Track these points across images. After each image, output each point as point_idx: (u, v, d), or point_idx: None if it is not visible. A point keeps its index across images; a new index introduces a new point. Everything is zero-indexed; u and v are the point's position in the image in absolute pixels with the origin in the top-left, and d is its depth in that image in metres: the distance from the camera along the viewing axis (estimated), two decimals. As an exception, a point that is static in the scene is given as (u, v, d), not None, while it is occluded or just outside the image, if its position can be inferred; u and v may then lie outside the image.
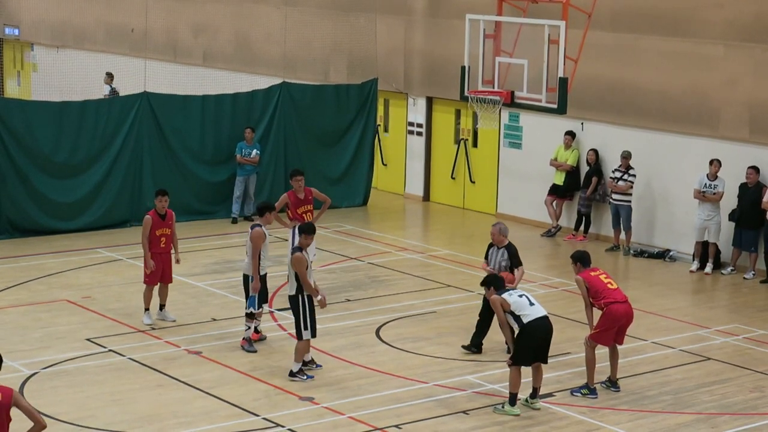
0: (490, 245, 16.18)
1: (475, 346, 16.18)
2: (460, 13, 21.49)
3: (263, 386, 14.77)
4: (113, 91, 31.22)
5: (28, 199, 22.30)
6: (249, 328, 16.10)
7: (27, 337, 16.52)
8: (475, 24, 18.81)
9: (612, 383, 14.92)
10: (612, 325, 14.56)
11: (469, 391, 14.75)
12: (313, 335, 14.96)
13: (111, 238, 22.38)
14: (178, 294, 18.20)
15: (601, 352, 14.87)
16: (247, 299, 16.13)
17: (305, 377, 14.93)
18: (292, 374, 14.94)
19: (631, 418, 14.01)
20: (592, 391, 14.63)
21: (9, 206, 22.12)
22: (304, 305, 14.85)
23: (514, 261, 15.91)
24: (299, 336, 14.93)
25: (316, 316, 15.03)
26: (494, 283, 14.32)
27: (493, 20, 18.70)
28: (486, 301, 15.87)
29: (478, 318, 16.29)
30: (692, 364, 16.06)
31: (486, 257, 16.23)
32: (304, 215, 18.25)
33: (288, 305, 15.27)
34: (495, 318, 14.73)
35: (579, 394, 14.63)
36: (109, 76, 31.64)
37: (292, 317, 15.08)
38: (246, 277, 16.19)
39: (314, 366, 15.25)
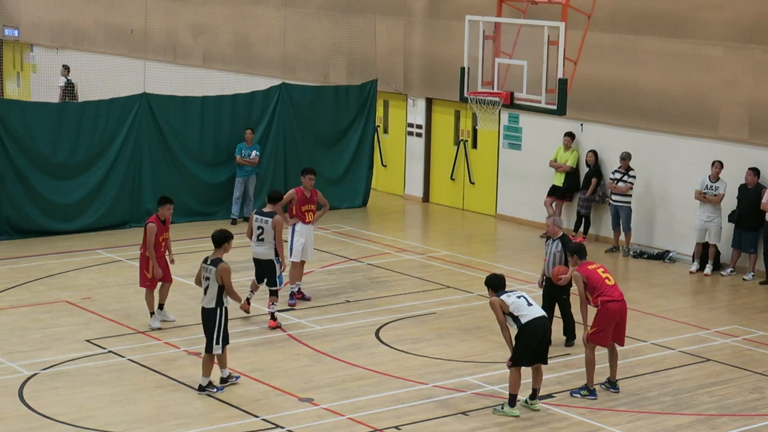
0: (547, 239, 16.56)
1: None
2: (460, 14, 21.50)
3: (263, 387, 14.77)
4: (69, 83, 31.70)
5: (28, 200, 22.30)
6: (274, 304, 17.17)
7: (27, 338, 16.52)
8: (475, 25, 18.82)
9: (611, 384, 14.91)
10: (608, 324, 14.52)
11: (468, 392, 14.74)
12: (223, 350, 14.52)
13: (110, 239, 22.38)
14: (178, 295, 18.19)
15: (601, 353, 14.85)
16: (273, 279, 16.96)
17: (215, 389, 14.52)
18: (201, 389, 14.48)
19: (630, 419, 14.01)
20: (592, 392, 14.63)
21: (8, 207, 22.12)
22: (221, 318, 14.42)
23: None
24: (209, 349, 14.38)
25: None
26: (492, 284, 14.29)
27: (492, 21, 18.72)
28: (546, 295, 16.43)
29: None
30: (692, 365, 16.06)
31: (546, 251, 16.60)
32: (306, 213, 18.29)
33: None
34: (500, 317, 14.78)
35: (579, 395, 14.62)
36: (66, 69, 32.38)
37: (209, 327, 14.45)
38: (260, 262, 17.06)
39: (234, 378, 14.76)
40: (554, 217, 16.74)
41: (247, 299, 17.39)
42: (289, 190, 18.72)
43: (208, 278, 14.47)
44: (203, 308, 14.55)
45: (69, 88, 31.87)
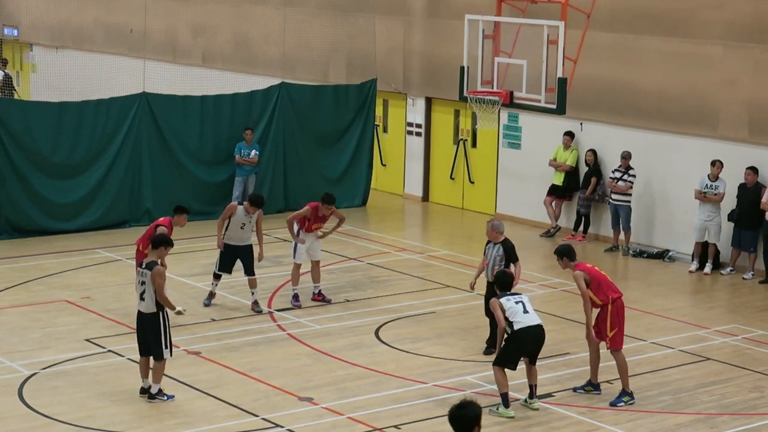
0: (488, 242, 16.19)
1: (493, 345, 16.10)
2: (459, 14, 21.50)
3: (262, 386, 14.77)
4: (6, 76, 32.94)
5: (27, 199, 22.31)
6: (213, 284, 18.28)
7: (26, 338, 16.52)
8: (474, 24, 18.82)
9: (594, 386, 14.80)
10: (623, 321, 14.39)
11: (468, 392, 14.73)
12: (171, 353, 14.25)
13: (110, 238, 22.39)
14: (177, 294, 18.18)
15: (584, 354, 14.77)
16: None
17: (166, 397, 14.25)
18: (152, 396, 14.18)
19: (630, 419, 14.01)
20: (631, 396, 14.47)
21: (8, 207, 22.14)
22: (164, 322, 14.06)
23: (511, 257, 15.89)
24: (159, 356, 14.02)
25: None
26: (499, 281, 14.28)
27: (492, 20, 18.72)
28: (487, 300, 15.95)
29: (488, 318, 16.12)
30: (691, 364, 16.06)
31: (484, 254, 16.21)
32: (315, 230, 18.31)
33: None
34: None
35: (622, 404, 14.39)
36: (3, 62, 33.69)
37: (155, 331, 14.10)
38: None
39: (164, 397, 14.32)
40: (494, 222, 16.14)
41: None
42: (305, 205, 18.48)
43: (143, 282, 14.01)
44: (143, 314, 14.07)
45: (7, 81, 32.83)
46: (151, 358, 14.21)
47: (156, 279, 13.87)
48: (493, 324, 15.97)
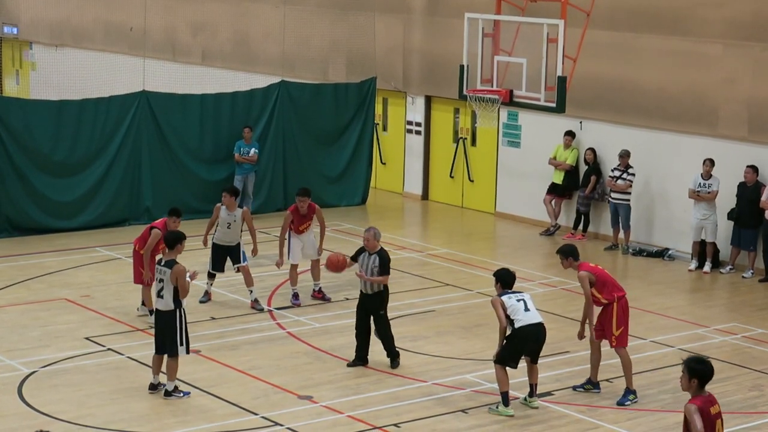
0: (360, 250, 15.51)
1: (360, 359, 15.61)
2: (459, 12, 21.48)
3: (262, 385, 14.77)
4: None
5: (27, 197, 22.31)
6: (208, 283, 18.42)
7: (26, 336, 16.52)
8: (474, 23, 18.83)
9: (594, 385, 14.80)
10: (627, 319, 14.42)
11: (467, 390, 14.74)
12: (188, 351, 14.27)
13: (109, 236, 22.39)
14: (177, 293, 18.18)
15: (586, 352, 14.78)
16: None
17: (182, 394, 14.26)
18: (168, 393, 14.19)
19: (629, 417, 14.01)
20: (635, 394, 14.44)
21: (8, 205, 22.13)
22: (181, 320, 14.07)
23: (385, 270, 15.25)
24: (174, 352, 14.03)
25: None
26: (501, 278, 14.25)
27: (491, 19, 18.73)
28: (361, 310, 15.51)
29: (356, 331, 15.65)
30: (691, 362, 16.03)
31: (354, 258, 15.59)
32: (303, 231, 18.32)
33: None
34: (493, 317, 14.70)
35: (629, 402, 14.41)
36: None
37: (172, 329, 14.04)
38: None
39: (180, 394, 14.32)
40: (373, 230, 15.34)
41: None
42: (288, 206, 18.69)
43: (162, 280, 14.06)
44: (161, 311, 14.11)
45: None
46: (166, 355, 14.21)
47: (178, 277, 13.91)
48: (365, 336, 15.52)
